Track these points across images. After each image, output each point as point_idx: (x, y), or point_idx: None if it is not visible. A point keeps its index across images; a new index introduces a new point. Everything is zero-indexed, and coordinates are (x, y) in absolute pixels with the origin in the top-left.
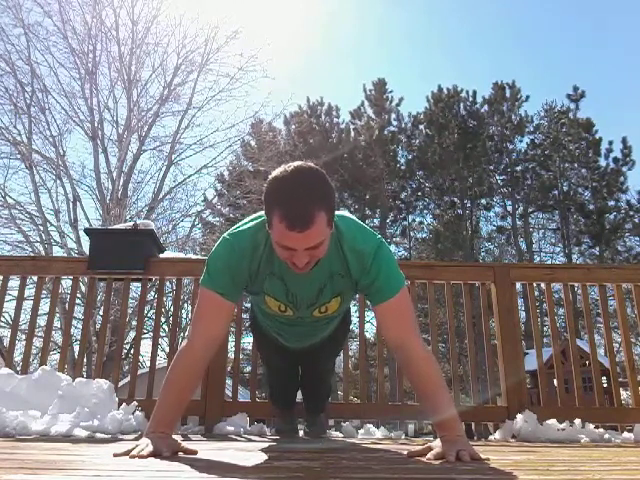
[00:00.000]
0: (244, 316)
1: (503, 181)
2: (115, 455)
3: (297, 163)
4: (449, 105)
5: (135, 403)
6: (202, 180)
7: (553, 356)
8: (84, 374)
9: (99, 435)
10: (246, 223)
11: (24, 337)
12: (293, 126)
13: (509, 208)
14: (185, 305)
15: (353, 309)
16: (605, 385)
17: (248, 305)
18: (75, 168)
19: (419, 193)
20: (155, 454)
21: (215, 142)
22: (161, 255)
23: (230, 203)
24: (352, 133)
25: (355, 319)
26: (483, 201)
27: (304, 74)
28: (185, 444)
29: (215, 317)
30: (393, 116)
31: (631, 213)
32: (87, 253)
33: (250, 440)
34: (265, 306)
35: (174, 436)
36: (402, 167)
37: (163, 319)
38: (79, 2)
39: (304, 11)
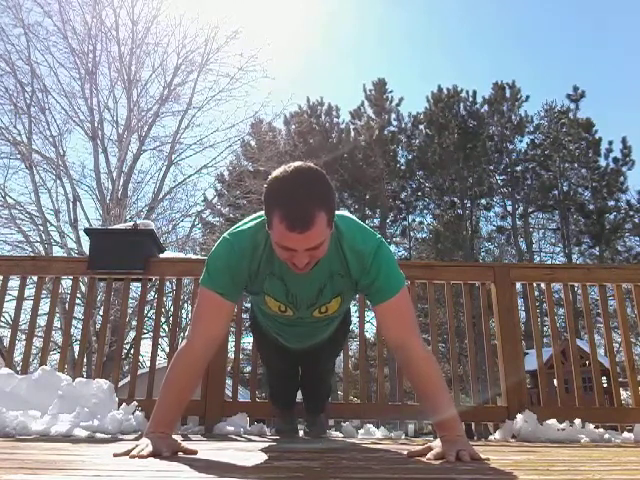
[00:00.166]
0: (244, 316)
1: (503, 181)
2: (115, 455)
3: (297, 163)
4: (449, 105)
5: (135, 403)
6: (202, 180)
7: (553, 356)
8: (84, 374)
9: (99, 435)
10: (246, 223)
11: (24, 337)
12: (293, 126)
13: (509, 208)
14: (185, 305)
15: (353, 309)
16: (605, 385)
17: (248, 305)
18: (75, 168)
19: (419, 193)
20: (155, 454)
21: (215, 142)
22: (161, 255)
23: (230, 203)
24: (352, 133)
25: (355, 319)
26: (483, 201)
27: (304, 74)
28: (185, 444)
29: (215, 317)
30: (393, 116)
31: (631, 213)
32: (87, 253)
33: (250, 440)
34: (265, 306)
35: (174, 436)
36: (402, 167)
37: (163, 319)
38: (79, 2)
39: (304, 11)
